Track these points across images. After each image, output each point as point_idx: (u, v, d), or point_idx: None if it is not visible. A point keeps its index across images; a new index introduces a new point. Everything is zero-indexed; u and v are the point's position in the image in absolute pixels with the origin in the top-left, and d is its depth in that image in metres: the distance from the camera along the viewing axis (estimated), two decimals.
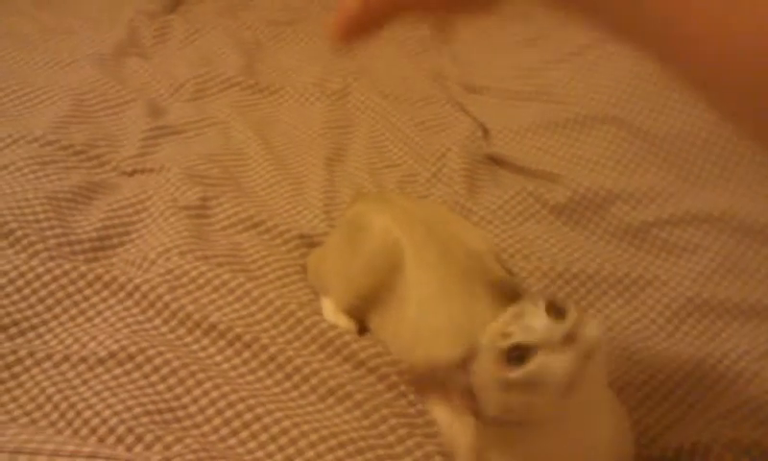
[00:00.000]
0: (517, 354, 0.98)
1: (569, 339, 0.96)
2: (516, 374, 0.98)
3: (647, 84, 1.86)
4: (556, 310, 1.01)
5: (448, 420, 1.23)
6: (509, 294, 1.34)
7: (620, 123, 1.85)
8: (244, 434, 1.15)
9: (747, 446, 1.21)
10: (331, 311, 1.45)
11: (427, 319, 1.32)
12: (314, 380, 1.25)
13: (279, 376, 1.26)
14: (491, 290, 1.33)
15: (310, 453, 1.13)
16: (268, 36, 2.51)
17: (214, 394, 1.19)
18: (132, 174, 1.77)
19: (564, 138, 1.90)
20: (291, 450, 1.13)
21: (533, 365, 0.97)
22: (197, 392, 1.19)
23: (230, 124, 2.00)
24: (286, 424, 1.16)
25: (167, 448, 1.07)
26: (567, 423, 1.01)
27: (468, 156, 1.91)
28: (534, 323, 0.99)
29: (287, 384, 1.25)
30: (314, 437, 1.14)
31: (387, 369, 1.31)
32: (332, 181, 1.83)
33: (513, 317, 1.02)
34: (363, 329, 1.43)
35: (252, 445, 1.14)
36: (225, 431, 1.15)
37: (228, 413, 1.17)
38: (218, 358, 1.28)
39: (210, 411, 1.17)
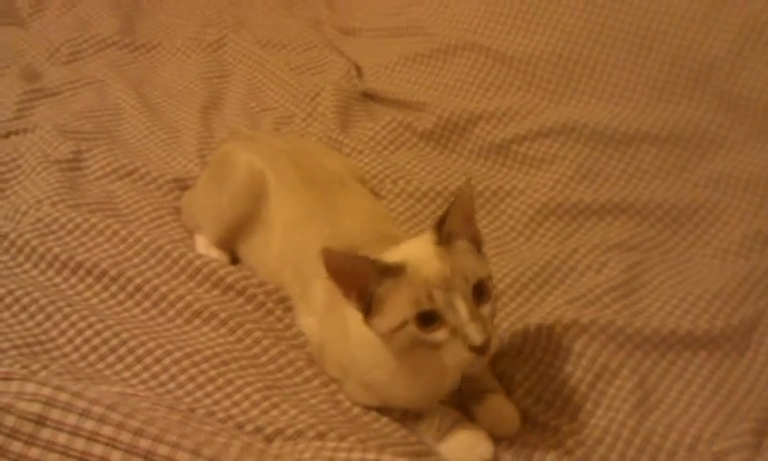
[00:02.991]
0: (428, 315, 1.04)
1: (485, 344, 1.02)
2: (414, 330, 1.05)
3: (503, 9, 1.95)
4: (479, 291, 1.05)
5: (315, 329, 1.31)
6: (374, 213, 1.44)
7: (480, 48, 1.95)
8: (111, 358, 1.21)
9: (585, 325, 1.31)
10: (204, 246, 1.51)
11: (293, 239, 1.39)
12: (180, 305, 1.32)
13: (146, 304, 1.33)
14: (352, 207, 1.42)
15: (174, 369, 1.19)
16: None
17: (81, 325, 1.24)
18: (7, 136, 1.79)
19: (430, 68, 1.99)
20: (156, 368, 1.20)
21: (434, 338, 1.04)
22: (64, 325, 1.25)
23: (106, 82, 2.03)
24: (151, 345, 1.22)
25: (34, 374, 1.12)
26: None
27: (342, 93, 1.97)
28: (461, 307, 1.03)
29: (153, 311, 1.32)
30: (178, 354, 1.21)
31: (254, 290, 1.38)
32: (208, 127, 1.89)
33: (443, 282, 1.04)
34: (235, 261, 1.49)
35: (119, 367, 1.20)
36: (93, 357, 1.21)
37: (96, 341, 1.23)
38: (87, 294, 1.33)
39: (78, 340, 1.23)
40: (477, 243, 1.14)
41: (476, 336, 1.02)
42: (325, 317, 1.28)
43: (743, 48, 1.72)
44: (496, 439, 1.17)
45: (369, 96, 2.02)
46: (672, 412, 1.23)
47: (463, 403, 1.23)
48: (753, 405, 1.19)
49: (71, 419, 0.86)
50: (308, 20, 2.37)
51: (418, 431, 1.19)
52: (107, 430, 0.86)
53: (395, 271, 1.07)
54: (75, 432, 0.86)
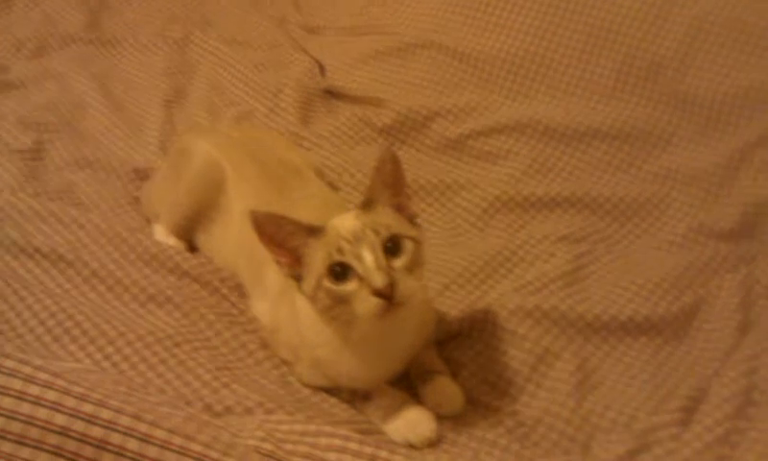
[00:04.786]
0: (341, 269, 1.09)
1: (387, 289, 1.06)
2: (327, 284, 1.10)
3: (461, 9, 2.00)
4: (394, 245, 1.10)
5: (269, 313, 1.34)
6: (329, 202, 1.48)
7: (438, 47, 1.99)
8: (65, 339, 1.23)
9: (529, 310, 1.36)
10: (162, 234, 1.53)
11: (249, 227, 1.42)
12: (134, 289, 1.35)
13: (101, 288, 1.35)
14: (307, 196, 1.45)
15: (127, 350, 1.22)
16: None
17: (36, 307, 1.26)
18: None
19: (390, 66, 2.03)
20: (109, 349, 1.22)
21: (344, 289, 1.09)
22: (20, 307, 1.26)
23: (70, 76, 2.05)
24: (105, 327, 1.24)
25: None
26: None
27: (304, 90, 2.01)
28: (366, 256, 1.08)
29: (108, 295, 1.34)
30: (131, 336, 1.24)
31: (209, 277, 1.41)
32: (170, 120, 1.91)
33: (353, 235, 1.10)
34: (192, 250, 1.52)
35: (72, 348, 1.22)
36: (47, 339, 1.23)
37: (50, 323, 1.24)
38: (42, 278, 1.35)
39: (33, 322, 1.25)
40: (406, 213, 1.18)
41: (378, 280, 1.06)
42: (278, 302, 1.31)
43: (690, 47, 1.77)
44: (441, 418, 1.20)
45: (330, 93, 2.05)
46: (611, 393, 1.27)
47: (410, 385, 1.27)
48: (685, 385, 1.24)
49: (16, 384, 0.89)
50: (274, 18, 2.40)
51: (365, 411, 1.22)
52: (51, 395, 0.89)
53: (316, 231, 1.13)
54: (20, 397, 0.89)
